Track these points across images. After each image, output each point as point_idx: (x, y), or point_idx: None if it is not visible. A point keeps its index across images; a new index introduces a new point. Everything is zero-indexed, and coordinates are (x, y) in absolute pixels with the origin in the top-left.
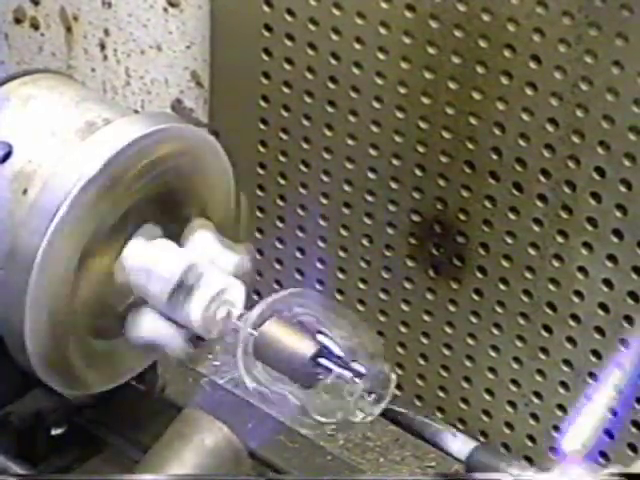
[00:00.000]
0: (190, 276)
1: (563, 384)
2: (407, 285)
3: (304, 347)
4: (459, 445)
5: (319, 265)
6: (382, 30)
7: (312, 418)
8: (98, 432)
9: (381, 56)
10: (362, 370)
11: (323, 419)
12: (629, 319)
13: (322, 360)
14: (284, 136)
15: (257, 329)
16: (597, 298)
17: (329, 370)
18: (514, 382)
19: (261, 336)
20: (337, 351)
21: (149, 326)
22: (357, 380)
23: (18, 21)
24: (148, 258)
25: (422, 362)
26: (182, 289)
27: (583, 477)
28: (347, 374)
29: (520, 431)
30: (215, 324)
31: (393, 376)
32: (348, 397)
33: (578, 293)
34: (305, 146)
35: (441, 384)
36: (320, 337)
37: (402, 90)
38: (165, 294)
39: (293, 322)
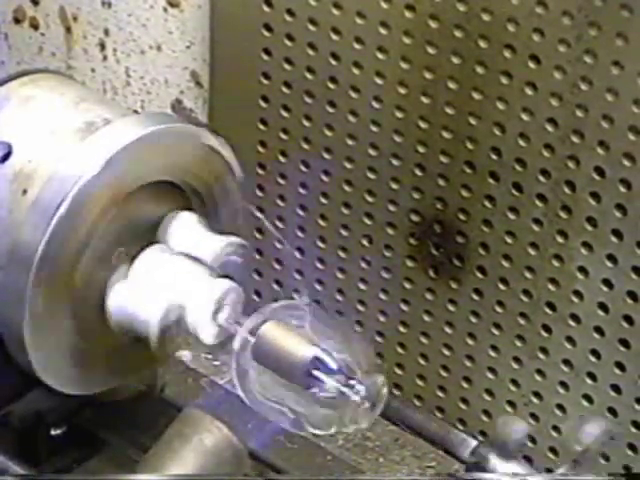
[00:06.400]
0: (171, 315)
1: (563, 384)
2: (407, 285)
3: (304, 348)
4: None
5: (319, 265)
6: (382, 30)
7: (306, 430)
8: (98, 432)
9: (381, 56)
10: (356, 383)
11: (317, 431)
12: (629, 319)
13: (316, 373)
14: (284, 136)
15: (254, 334)
16: (597, 298)
17: (323, 383)
18: (514, 382)
19: (260, 338)
20: (331, 364)
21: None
22: (351, 393)
23: (18, 21)
24: (128, 307)
25: (422, 362)
26: (169, 328)
27: (583, 477)
28: (341, 387)
29: None
30: (215, 330)
31: (385, 390)
32: (342, 410)
33: (578, 293)
34: (305, 146)
35: (441, 384)
36: (314, 350)
37: (402, 90)
38: (155, 335)
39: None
